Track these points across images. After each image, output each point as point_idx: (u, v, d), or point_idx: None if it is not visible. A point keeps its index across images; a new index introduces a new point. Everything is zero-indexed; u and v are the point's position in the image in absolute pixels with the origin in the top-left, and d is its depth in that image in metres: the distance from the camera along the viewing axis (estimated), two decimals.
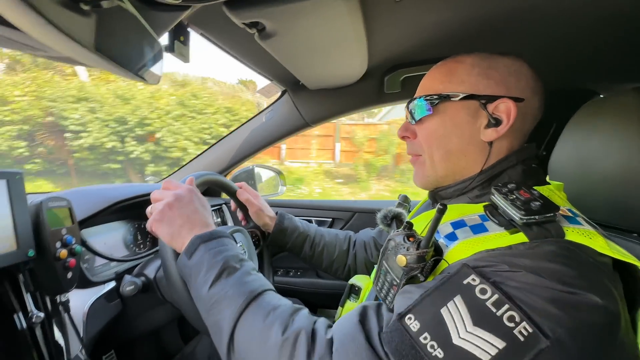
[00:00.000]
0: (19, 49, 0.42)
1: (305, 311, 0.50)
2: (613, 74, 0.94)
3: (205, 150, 1.34)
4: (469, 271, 0.39)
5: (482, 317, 0.36)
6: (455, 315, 0.37)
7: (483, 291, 0.37)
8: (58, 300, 0.60)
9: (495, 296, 0.36)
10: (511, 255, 0.39)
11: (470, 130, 0.53)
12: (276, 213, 0.95)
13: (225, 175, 1.34)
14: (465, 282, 0.38)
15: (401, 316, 0.40)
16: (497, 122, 0.51)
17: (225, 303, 0.50)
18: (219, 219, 1.30)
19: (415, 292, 0.41)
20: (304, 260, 0.96)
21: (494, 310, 0.35)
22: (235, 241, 0.64)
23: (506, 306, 0.35)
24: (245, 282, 0.52)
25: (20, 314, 0.55)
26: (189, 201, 0.62)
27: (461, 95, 0.52)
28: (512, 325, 0.34)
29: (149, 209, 0.64)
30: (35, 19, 0.33)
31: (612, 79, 0.96)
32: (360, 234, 1.01)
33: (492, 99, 0.51)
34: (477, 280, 0.38)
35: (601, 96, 0.98)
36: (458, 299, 0.37)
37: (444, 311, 0.37)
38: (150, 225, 0.61)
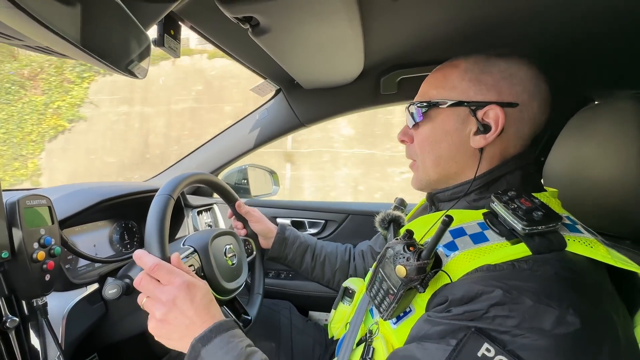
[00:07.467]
0: None
1: None
2: (608, 80, 0.94)
3: (197, 149, 1.31)
4: (481, 339, 0.36)
5: None
6: None
7: None
8: (35, 304, 0.57)
9: None
10: (515, 278, 0.38)
11: (460, 136, 0.53)
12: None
13: (217, 175, 1.31)
14: (479, 354, 0.36)
15: None
16: (485, 129, 0.50)
17: None
18: (211, 219, 1.27)
19: None
20: (305, 274, 0.93)
21: None
22: (239, 325, 0.57)
23: None
24: None
25: None
26: (184, 305, 0.53)
27: (449, 102, 0.52)
28: None
29: (139, 298, 0.57)
30: (11, 9, 0.30)
31: (607, 85, 0.96)
32: (358, 245, 1.00)
33: (481, 105, 0.50)
34: (492, 351, 0.35)
35: (596, 103, 0.98)
36: None
37: None
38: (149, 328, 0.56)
